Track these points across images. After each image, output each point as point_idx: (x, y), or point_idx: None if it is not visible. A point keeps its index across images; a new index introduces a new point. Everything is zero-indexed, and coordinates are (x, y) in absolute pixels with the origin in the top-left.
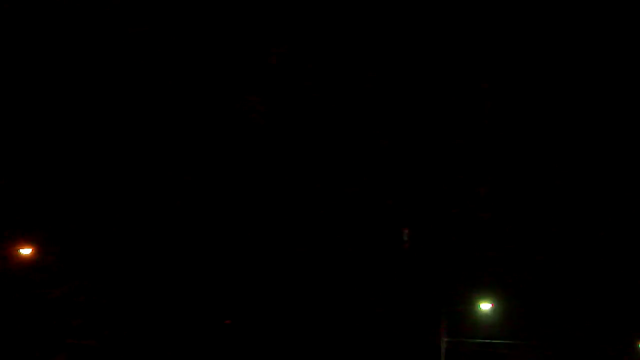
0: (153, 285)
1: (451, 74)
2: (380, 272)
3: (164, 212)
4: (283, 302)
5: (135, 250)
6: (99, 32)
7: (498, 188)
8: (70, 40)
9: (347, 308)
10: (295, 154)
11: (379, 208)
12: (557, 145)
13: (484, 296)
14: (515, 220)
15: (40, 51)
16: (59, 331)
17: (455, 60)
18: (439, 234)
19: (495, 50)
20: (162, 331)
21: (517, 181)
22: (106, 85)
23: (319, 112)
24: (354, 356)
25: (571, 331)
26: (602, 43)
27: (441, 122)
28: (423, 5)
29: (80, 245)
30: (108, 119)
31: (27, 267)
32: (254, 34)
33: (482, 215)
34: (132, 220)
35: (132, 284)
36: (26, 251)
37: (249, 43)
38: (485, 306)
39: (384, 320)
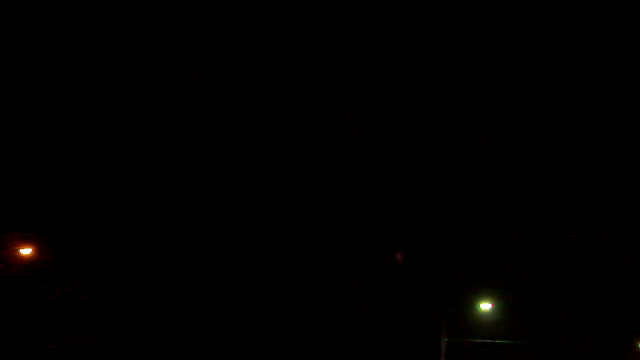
0: (153, 285)
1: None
2: (380, 273)
3: (164, 212)
4: (283, 303)
5: (135, 250)
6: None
7: (497, 188)
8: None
9: (348, 308)
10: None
11: (378, 210)
12: (557, 146)
13: (484, 296)
14: (515, 220)
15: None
16: (59, 331)
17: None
18: (439, 234)
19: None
20: (162, 331)
21: (517, 182)
22: (107, 85)
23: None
24: (354, 356)
25: (571, 331)
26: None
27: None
28: None
29: (80, 245)
30: (107, 119)
31: (27, 267)
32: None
33: (482, 215)
34: (131, 220)
35: (131, 284)
36: (26, 251)
37: None
38: (485, 306)
39: (384, 320)
